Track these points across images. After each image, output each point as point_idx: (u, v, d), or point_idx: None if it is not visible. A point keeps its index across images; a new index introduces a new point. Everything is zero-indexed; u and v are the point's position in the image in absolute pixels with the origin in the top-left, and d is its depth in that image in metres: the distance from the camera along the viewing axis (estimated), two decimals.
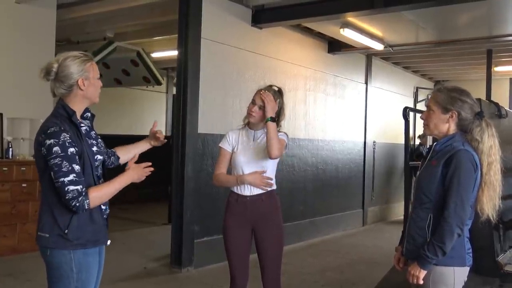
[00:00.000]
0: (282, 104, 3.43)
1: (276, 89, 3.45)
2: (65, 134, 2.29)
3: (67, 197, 2.25)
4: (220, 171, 3.44)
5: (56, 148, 2.26)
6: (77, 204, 2.26)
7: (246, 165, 3.35)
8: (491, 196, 2.50)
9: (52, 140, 2.27)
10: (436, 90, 2.68)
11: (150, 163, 2.52)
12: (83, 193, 2.28)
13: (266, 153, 3.30)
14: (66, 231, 2.31)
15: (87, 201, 2.28)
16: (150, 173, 2.53)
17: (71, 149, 2.29)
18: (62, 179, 2.25)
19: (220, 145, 3.48)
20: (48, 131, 2.29)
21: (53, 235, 2.33)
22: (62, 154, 2.26)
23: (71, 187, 2.25)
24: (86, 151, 2.38)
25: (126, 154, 2.84)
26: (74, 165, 2.28)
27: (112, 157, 2.79)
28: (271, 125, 3.24)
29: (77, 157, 2.32)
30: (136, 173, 2.49)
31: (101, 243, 2.48)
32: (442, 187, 2.47)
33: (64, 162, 2.26)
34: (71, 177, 2.26)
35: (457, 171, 2.43)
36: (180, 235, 5.83)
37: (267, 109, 3.28)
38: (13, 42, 6.49)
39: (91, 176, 2.39)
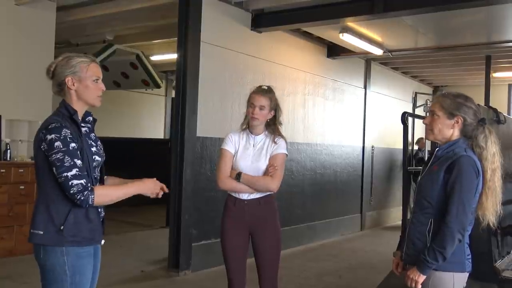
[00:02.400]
0: (276, 100, 3.43)
1: (266, 87, 3.44)
2: (66, 130, 2.31)
3: (71, 191, 2.26)
4: (227, 174, 3.36)
5: (57, 143, 2.27)
6: (82, 198, 2.26)
7: (251, 172, 3.34)
8: (493, 202, 2.50)
9: (53, 135, 2.28)
10: (441, 95, 2.67)
11: (166, 190, 2.53)
12: (89, 188, 2.28)
13: (265, 160, 3.35)
14: (62, 227, 2.31)
15: (92, 196, 2.28)
16: (160, 195, 2.52)
17: (73, 144, 2.30)
18: (65, 174, 2.26)
19: (223, 147, 3.40)
20: (49, 127, 2.31)
21: (47, 232, 2.32)
22: (64, 149, 2.27)
23: (75, 181, 2.26)
24: (85, 149, 2.39)
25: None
26: (76, 160, 2.29)
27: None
28: (245, 178, 3.29)
29: (78, 152, 2.32)
30: (151, 187, 2.49)
31: (96, 241, 2.46)
32: (444, 192, 2.47)
33: (66, 157, 2.27)
34: (74, 171, 2.27)
35: (459, 177, 2.43)
36: (178, 239, 5.82)
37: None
38: (13, 44, 6.49)
39: (88, 176, 2.38)
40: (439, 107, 2.59)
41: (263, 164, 3.36)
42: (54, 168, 2.28)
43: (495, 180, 2.49)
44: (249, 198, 3.35)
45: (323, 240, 8.21)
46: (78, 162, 2.30)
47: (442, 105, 2.58)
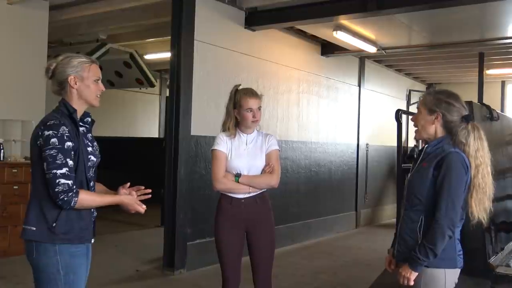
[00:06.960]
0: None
1: (252, 89, 3.61)
2: (64, 128, 2.32)
3: (56, 190, 2.26)
4: (223, 174, 3.35)
5: (54, 140, 2.28)
6: (65, 199, 2.26)
7: (248, 170, 3.35)
8: (481, 199, 2.50)
9: (51, 132, 2.30)
10: (426, 93, 2.73)
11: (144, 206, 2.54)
12: (74, 190, 2.28)
13: (261, 157, 3.39)
14: (54, 224, 2.31)
15: (76, 199, 2.28)
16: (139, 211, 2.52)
17: (68, 143, 2.31)
18: (54, 171, 2.26)
19: (216, 148, 3.38)
20: (48, 123, 2.33)
21: (39, 228, 2.33)
22: (59, 146, 2.28)
23: (63, 180, 2.26)
24: (82, 149, 2.40)
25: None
26: (68, 160, 2.30)
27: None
28: (245, 179, 3.32)
29: (72, 152, 2.33)
30: (129, 204, 2.51)
31: (86, 240, 2.46)
32: (433, 189, 2.49)
33: (59, 155, 2.28)
34: (64, 170, 2.27)
35: (448, 173, 2.44)
36: (173, 238, 5.82)
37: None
38: (5, 43, 6.44)
39: (83, 174, 2.39)
40: (422, 104, 2.64)
41: (260, 162, 3.39)
42: (45, 164, 2.28)
43: (479, 177, 2.49)
44: (245, 196, 3.36)
45: (318, 238, 8.22)
46: (70, 162, 2.30)
47: (424, 101, 2.64)
